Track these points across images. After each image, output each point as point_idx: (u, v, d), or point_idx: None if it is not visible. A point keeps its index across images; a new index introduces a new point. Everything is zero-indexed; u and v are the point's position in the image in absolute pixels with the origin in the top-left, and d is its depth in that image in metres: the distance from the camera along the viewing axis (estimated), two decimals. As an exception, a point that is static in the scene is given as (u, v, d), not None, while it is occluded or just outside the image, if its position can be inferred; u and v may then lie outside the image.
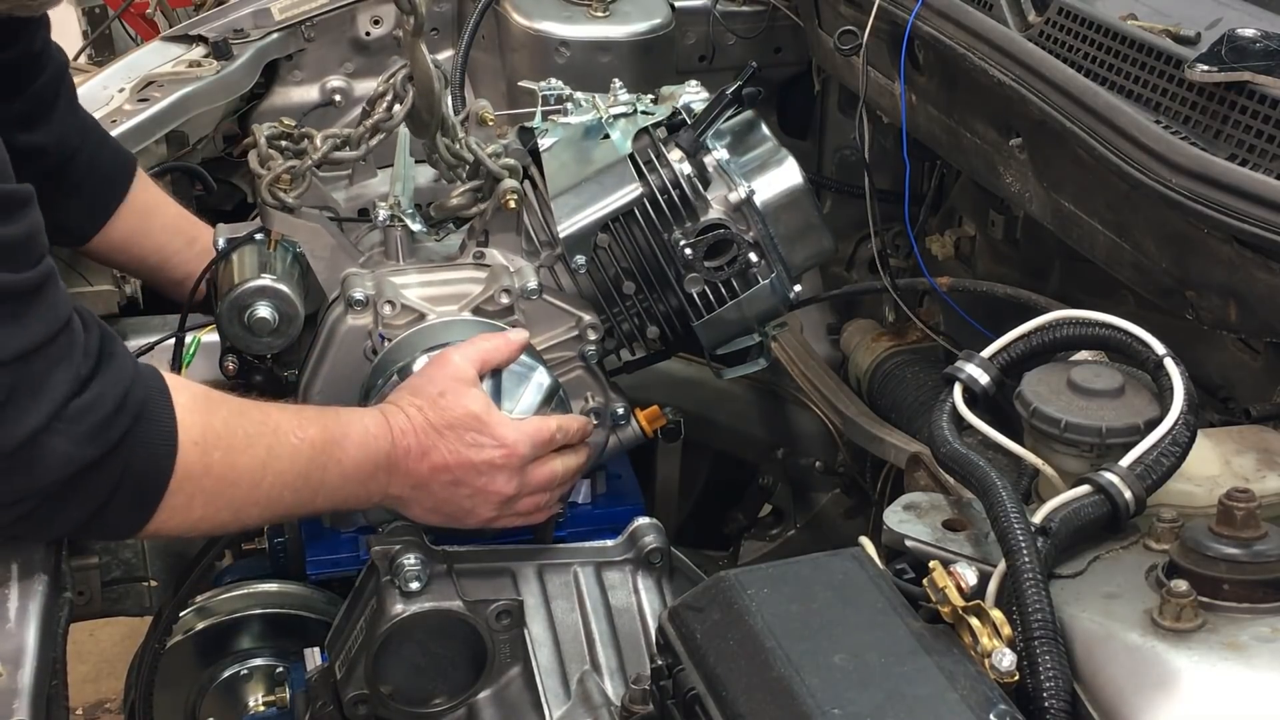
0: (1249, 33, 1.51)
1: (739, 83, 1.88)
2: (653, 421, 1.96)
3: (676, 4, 2.59)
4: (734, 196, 1.84)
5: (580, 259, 1.85)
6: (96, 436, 1.42)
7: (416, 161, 2.09)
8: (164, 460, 1.50)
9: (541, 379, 1.78)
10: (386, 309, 1.81)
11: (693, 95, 1.96)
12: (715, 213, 1.84)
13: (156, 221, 2.10)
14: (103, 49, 3.97)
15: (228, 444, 1.56)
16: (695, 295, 1.85)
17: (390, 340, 1.82)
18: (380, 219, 1.89)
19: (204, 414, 1.55)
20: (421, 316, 1.83)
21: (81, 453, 1.41)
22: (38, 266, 1.41)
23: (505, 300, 1.83)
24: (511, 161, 1.90)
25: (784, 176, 1.88)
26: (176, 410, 1.51)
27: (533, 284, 1.83)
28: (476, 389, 1.71)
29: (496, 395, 1.75)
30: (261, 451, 1.59)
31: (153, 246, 2.09)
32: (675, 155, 1.85)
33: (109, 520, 1.50)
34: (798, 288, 1.90)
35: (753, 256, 1.83)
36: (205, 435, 1.54)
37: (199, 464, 1.53)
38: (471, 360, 1.72)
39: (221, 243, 1.92)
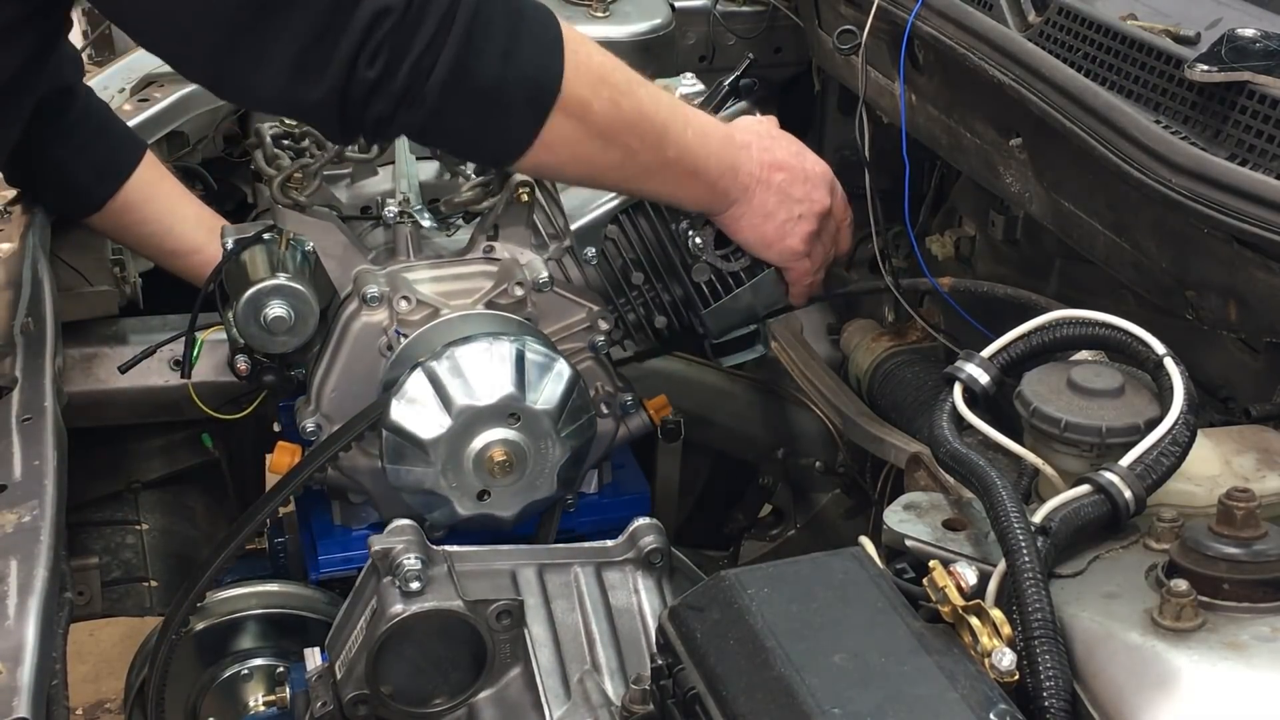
0: (1249, 33, 1.51)
1: (736, 74, 1.89)
2: (660, 410, 1.97)
3: (676, 4, 2.59)
4: None
5: (590, 251, 1.87)
6: None
7: (417, 158, 2.10)
8: (552, 21, 1.58)
9: (562, 369, 1.80)
10: (402, 305, 1.82)
11: (689, 88, 1.98)
12: None
13: (163, 194, 2.13)
14: (103, 49, 3.97)
15: (597, 54, 1.64)
16: (703, 284, 1.87)
17: (406, 336, 1.83)
18: (389, 215, 1.90)
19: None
20: (436, 311, 1.84)
21: None
22: None
23: (519, 293, 1.84)
24: None
25: None
26: None
27: (544, 276, 1.85)
28: None
29: (520, 386, 1.76)
30: (624, 74, 1.66)
31: (156, 217, 2.11)
32: None
33: (521, 61, 1.55)
34: None
35: None
36: (577, 35, 1.62)
37: (579, 52, 1.59)
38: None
39: (230, 243, 1.92)
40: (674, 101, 1.75)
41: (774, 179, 1.80)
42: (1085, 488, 1.28)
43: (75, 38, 4.17)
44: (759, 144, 1.80)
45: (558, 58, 1.57)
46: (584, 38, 1.63)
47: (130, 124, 2.26)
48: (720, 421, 2.44)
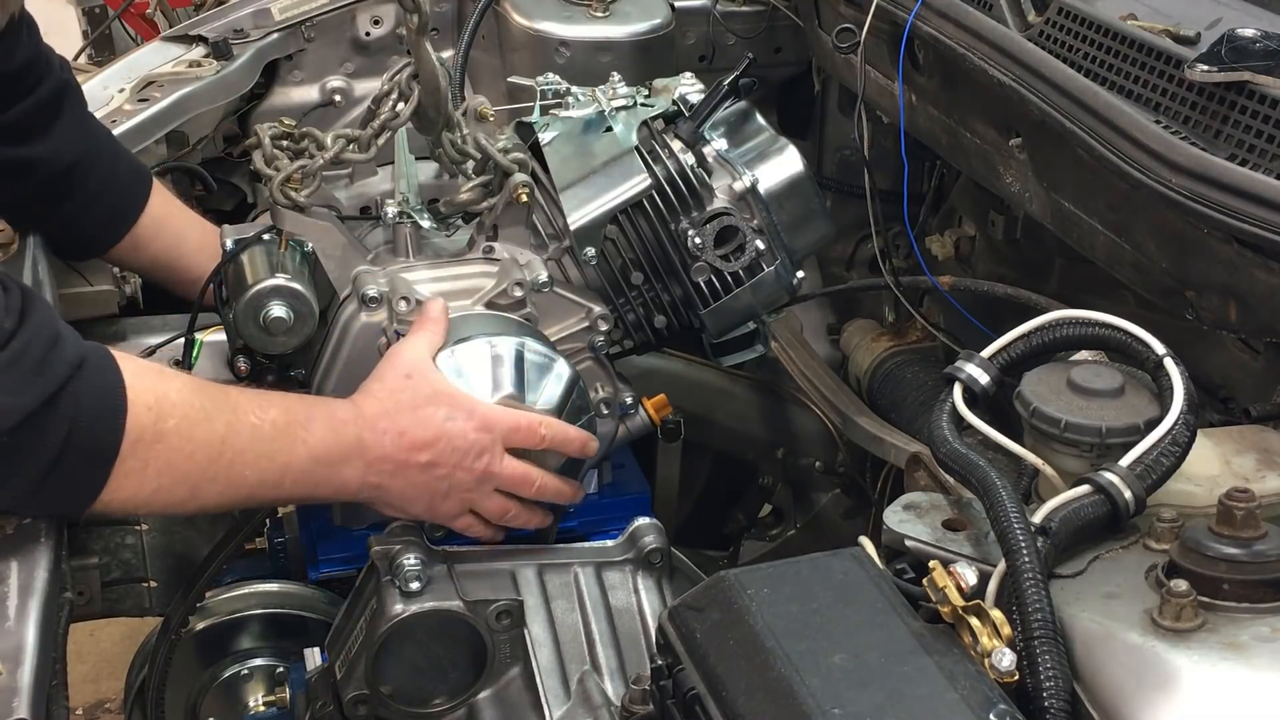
0: (1249, 33, 1.51)
1: (735, 74, 1.89)
2: (660, 410, 1.97)
3: (676, 4, 2.59)
4: (739, 185, 1.87)
5: (590, 251, 1.87)
6: (32, 383, 1.39)
7: (417, 159, 2.09)
8: (112, 417, 1.45)
9: (562, 370, 1.79)
10: (401, 305, 1.82)
11: (688, 87, 1.98)
12: (720, 202, 1.87)
13: (169, 228, 2.12)
14: (103, 49, 3.97)
15: (183, 413, 1.52)
16: (702, 284, 1.87)
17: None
18: (389, 216, 1.90)
19: (155, 381, 1.52)
20: None
21: (20, 401, 1.38)
22: None
23: (518, 293, 1.84)
24: (521, 155, 1.90)
25: (786, 164, 1.90)
26: (124, 375, 1.48)
27: (543, 277, 1.85)
28: (438, 371, 1.71)
29: (520, 386, 1.75)
30: (220, 426, 1.55)
31: (163, 250, 2.11)
32: (677, 146, 1.87)
33: (62, 483, 1.45)
34: (800, 274, 1.93)
35: (759, 244, 1.85)
36: (159, 401, 1.50)
37: (152, 429, 1.48)
38: (425, 345, 1.73)
39: (229, 244, 1.92)
40: (278, 425, 1.60)
41: (411, 465, 1.67)
42: (1085, 488, 1.28)
43: (75, 38, 4.17)
44: (390, 433, 1.66)
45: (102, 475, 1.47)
46: (160, 399, 1.50)
47: (130, 124, 2.26)
48: (720, 421, 2.44)
